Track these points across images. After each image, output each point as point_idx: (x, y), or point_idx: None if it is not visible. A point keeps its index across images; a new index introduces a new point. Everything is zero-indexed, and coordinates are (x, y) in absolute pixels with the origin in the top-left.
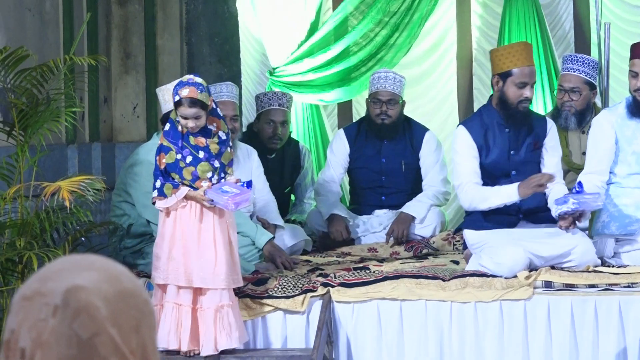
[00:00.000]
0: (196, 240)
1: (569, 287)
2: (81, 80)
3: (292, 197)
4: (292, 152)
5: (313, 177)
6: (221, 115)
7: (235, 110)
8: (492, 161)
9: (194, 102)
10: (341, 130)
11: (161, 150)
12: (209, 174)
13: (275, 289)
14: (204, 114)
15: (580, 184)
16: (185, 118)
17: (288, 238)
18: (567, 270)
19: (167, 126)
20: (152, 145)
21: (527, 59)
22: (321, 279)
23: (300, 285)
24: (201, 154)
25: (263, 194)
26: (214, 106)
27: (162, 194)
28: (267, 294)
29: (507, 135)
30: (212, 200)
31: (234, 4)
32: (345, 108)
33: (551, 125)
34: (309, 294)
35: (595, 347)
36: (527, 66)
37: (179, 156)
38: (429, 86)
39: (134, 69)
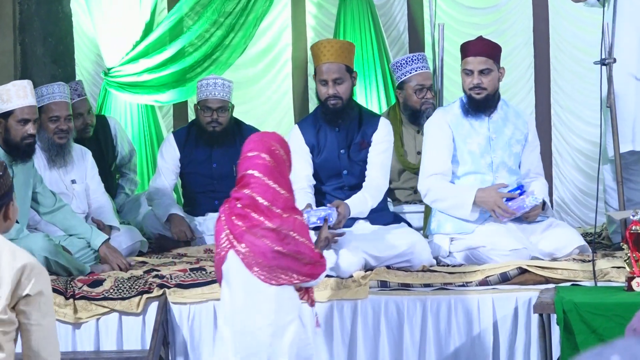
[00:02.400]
0: None
1: (405, 286)
2: None
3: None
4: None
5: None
6: None
7: (68, 110)
8: (323, 160)
9: None
10: (171, 135)
11: None
12: None
13: (111, 290)
14: None
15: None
16: None
17: (124, 239)
18: (403, 270)
19: None
20: None
21: (325, 57)
22: (157, 280)
23: (137, 287)
24: None
25: (98, 195)
26: None
27: None
28: (102, 296)
29: (337, 135)
30: None
31: (68, 4)
32: (180, 109)
33: (384, 123)
34: (145, 296)
35: (430, 345)
36: (325, 63)
37: None
38: (264, 87)
39: None
